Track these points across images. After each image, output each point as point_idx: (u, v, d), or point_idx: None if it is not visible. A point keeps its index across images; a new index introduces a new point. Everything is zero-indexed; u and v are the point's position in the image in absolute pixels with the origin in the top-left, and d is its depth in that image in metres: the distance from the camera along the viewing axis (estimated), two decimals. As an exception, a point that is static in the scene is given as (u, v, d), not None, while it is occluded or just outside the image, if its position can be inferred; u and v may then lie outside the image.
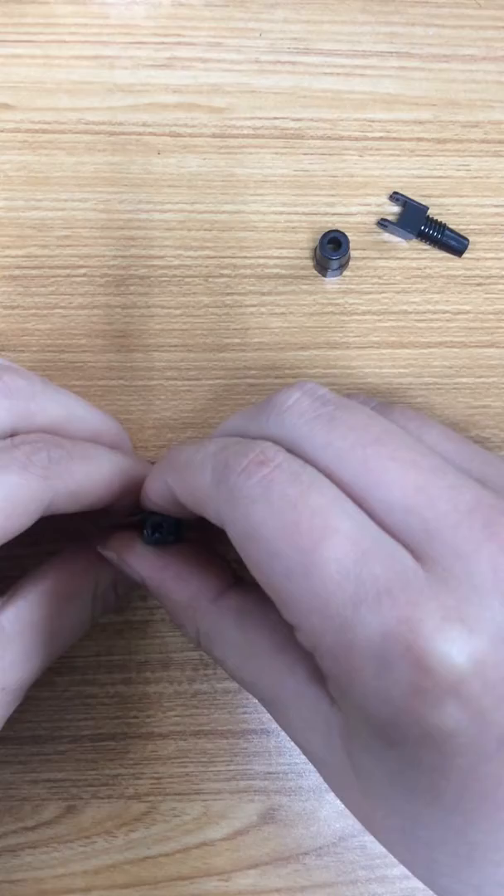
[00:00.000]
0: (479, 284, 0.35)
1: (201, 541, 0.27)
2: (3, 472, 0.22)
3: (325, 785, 0.33)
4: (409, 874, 0.33)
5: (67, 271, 0.34)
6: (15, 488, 0.22)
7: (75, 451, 0.24)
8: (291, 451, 0.21)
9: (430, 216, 0.35)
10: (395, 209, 0.35)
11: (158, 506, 0.25)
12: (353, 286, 0.35)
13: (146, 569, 0.25)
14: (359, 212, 0.35)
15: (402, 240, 0.35)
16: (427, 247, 0.35)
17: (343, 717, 0.19)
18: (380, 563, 0.18)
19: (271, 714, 0.23)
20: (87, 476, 0.24)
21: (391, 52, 0.36)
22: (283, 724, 0.22)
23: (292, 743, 0.33)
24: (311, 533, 0.18)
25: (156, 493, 0.24)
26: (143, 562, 0.25)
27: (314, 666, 0.20)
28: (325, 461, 0.20)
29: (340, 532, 0.18)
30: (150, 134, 0.35)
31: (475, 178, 0.35)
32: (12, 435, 0.24)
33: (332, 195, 0.35)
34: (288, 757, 0.33)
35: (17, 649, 0.24)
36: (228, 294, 0.35)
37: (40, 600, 0.25)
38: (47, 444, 0.23)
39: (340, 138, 0.36)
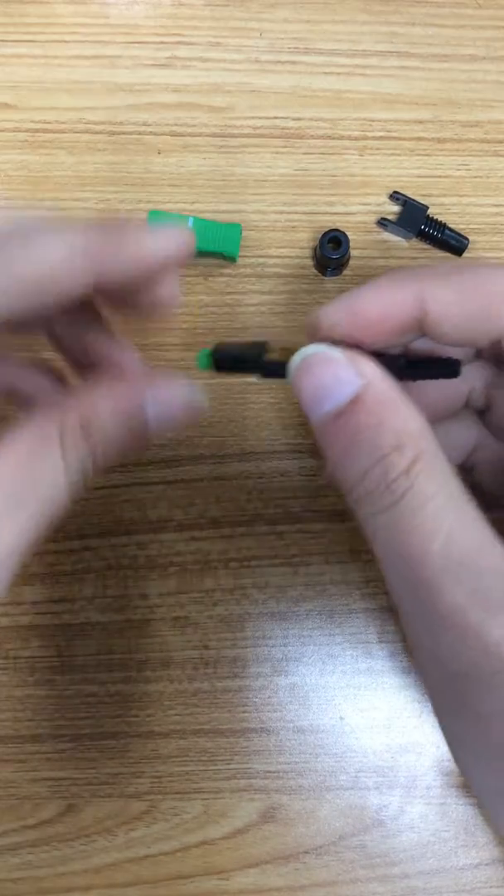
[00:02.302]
0: (478, 284, 0.35)
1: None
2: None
3: (326, 783, 0.33)
4: (409, 873, 0.33)
5: (68, 270, 0.34)
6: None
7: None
8: None
9: (430, 215, 0.35)
10: (395, 208, 0.35)
11: (376, 327, 0.21)
12: (352, 285, 0.35)
13: (379, 376, 0.21)
14: (359, 211, 0.35)
15: (402, 239, 0.35)
16: (427, 246, 0.35)
17: None
18: None
19: (437, 582, 0.18)
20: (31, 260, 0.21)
21: (391, 52, 0.36)
22: (462, 594, 0.18)
23: (292, 742, 0.33)
24: None
25: (390, 306, 0.21)
26: (375, 368, 0.21)
27: None
28: None
29: None
30: (151, 133, 0.35)
31: (475, 177, 0.36)
32: None
33: (332, 194, 0.35)
34: (288, 756, 0.33)
35: None
36: (229, 293, 0.35)
37: None
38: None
39: (340, 138, 0.36)
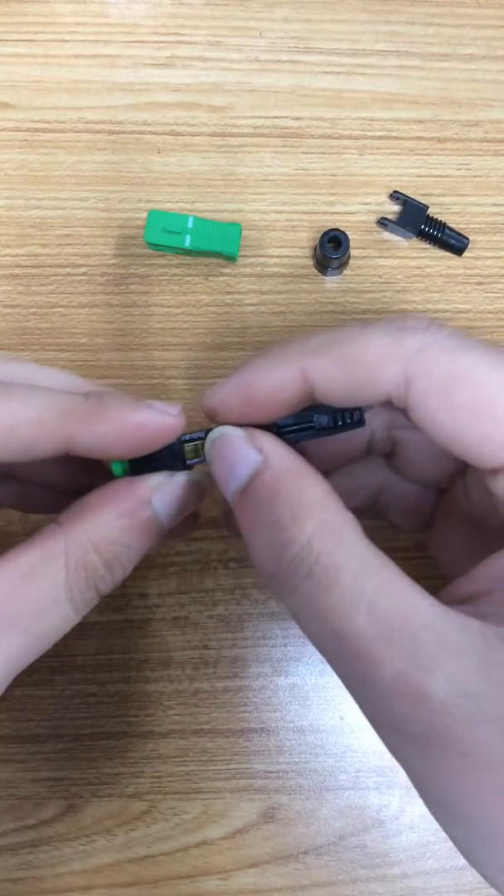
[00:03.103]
0: (479, 283, 0.35)
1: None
2: None
3: (325, 784, 0.33)
4: (409, 873, 0.33)
5: (67, 270, 0.34)
6: None
7: None
8: None
9: (430, 215, 0.35)
10: (395, 208, 0.35)
11: (268, 407, 0.22)
12: (353, 285, 0.35)
13: (276, 450, 0.21)
14: (359, 211, 0.35)
15: (402, 239, 0.35)
16: (427, 246, 0.35)
17: None
18: None
19: (372, 654, 0.17)
20: (5, 413, 0.20)
21: (391, 51, 0.36)
22: (400, 659, 0.17)
23: (292, 742, 0.33)
24: None
25: (277, 387, 0.21)
26: (273, 442, 0.21)
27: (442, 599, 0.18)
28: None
29: None
30: (151, 133, 0.35)
31: (475, 177, 0.36)
32: None
33: (332, 194, 0.35)
34: (288, 756, 0.33)
35: None
36: (228, 293, 0.35)
37: None
38: None
39: (340, 137, 0.36)
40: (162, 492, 0.23)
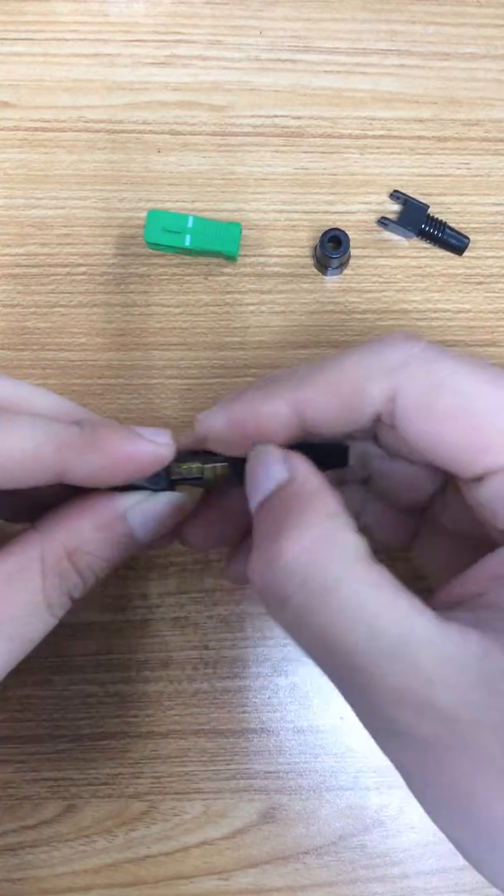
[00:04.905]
0: (479, 283, 0.35)
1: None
2: None
3: (326, 784, 0.33)
4: (409, 873, 0.33)
5: (67, 269, 0.34)
6: None
7: None
8: None
9: (431, 215, 0.34)
10: (396, 207, 0.35)
11: (259, 440, 0.22)
12: (353, 285, 0.35)
13: (302, 467, 0.21)
14: (359, 210, 0.35)
15: (403, 238, 0.35)
16: (427, 245, 0.35)
17: None
18: None
19: (372, 668, 0.18)
20: (2, 444, 0.21)
21: (391, 50, 0.36)
22: (403, 673, 0.17)
23: (292, 742, 0.33)
24: None
25: (267, 422, 0.22)
26: (302, 461, 0.22)
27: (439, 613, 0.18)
28: None
29: None
30: (150, 132, 0.35)
31: (476, 176, 0.35)
32: None
33: (333, 193, 0.35)
34: (288, 756, 0.33)
35: None
36: (228, 292, 0.35)
37: None
38: None
39: (341, 136, 0.35)
40: (140, 509, 0.23)
